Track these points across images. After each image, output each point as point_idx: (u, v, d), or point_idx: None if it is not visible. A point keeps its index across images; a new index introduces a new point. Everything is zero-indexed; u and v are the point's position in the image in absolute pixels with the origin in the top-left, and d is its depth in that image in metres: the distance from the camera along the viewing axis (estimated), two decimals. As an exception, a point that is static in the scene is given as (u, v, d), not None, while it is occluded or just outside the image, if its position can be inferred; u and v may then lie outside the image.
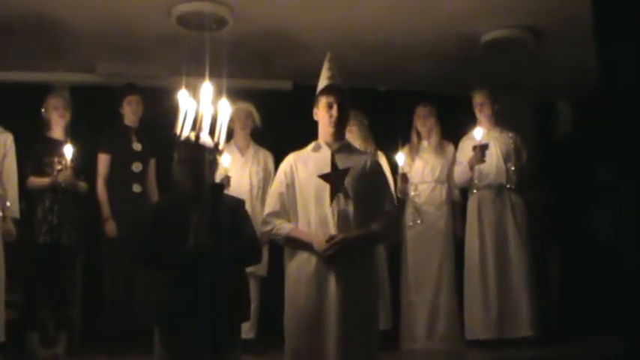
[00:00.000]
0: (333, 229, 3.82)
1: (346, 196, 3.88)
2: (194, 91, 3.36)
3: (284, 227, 3.91)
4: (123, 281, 5.72)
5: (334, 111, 4.00)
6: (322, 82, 4.11)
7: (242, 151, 6.11)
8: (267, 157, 6.16)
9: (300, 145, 4.16)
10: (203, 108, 3.36)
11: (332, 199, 3.86)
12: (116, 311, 5.76)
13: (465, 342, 5.97)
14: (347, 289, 3.75)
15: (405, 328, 6.11)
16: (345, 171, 3.93)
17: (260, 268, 5.57)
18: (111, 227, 5.82)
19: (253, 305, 5.28)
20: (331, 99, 4.02)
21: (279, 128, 6.45)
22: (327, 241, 3.77)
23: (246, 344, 4.81)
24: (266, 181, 5.94)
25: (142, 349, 4.80)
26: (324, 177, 3.92)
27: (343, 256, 3.76)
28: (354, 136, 5.89)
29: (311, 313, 3.75)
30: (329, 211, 3.85)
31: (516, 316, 5.87)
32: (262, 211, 5.56)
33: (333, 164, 3.94)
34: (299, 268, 3.86)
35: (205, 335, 3.35)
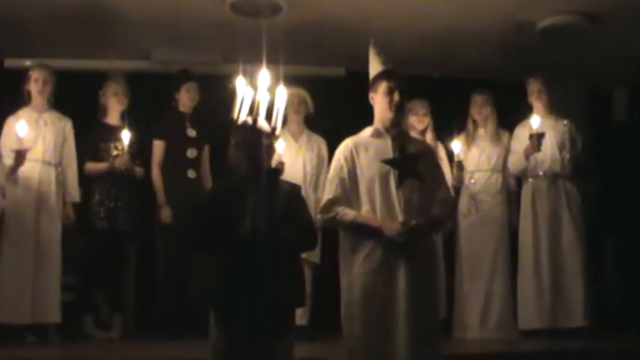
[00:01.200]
0: (399, 215, 3.75)
1: (417, 180, 3.81)
2: (248, 78, 3.38)
3: (349, 213, 3.80)
4: (177, 267, 5.77)
5: (395, 96, 3.90)
6: (377, 67, 4.02)
7: (295, 138, 6.08)
8: (320, 143, 6.11)
9: (353, 131, 4.09)
10: (260, 94, 3.38)
11: (399, 184, 3.79)
12: (170, 296, 5.82)
13: (519, 331, 5.93)
14: (414, 276, 3.69)
15: (459, 317, 6.08)
16: (416, 155, 3.88)
17: (313, 255, 5.55)
18: (166, 214, 5.87)
19: (307, 291, 5.29)
20: (392, 84, 3.92)
21: (332, 115, 6.44)
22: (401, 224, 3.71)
23: (300, 330, 4.82)
24: (319, 167, 5.93)
25: (196, 334, 4.84)
26: (390, 162, 3.83)
27: (412, 242, 3.70)
28: (426, 125, 6.16)
29: (382, 302, 3.68)
30: (395, 196, 3.79)
31: (570, 306, 5.82)
32: (315, 197, 5.66)
33: (402, 149, 3.86)
34: (366, 259, 3.75)
35: (261, 320, 3.36)
